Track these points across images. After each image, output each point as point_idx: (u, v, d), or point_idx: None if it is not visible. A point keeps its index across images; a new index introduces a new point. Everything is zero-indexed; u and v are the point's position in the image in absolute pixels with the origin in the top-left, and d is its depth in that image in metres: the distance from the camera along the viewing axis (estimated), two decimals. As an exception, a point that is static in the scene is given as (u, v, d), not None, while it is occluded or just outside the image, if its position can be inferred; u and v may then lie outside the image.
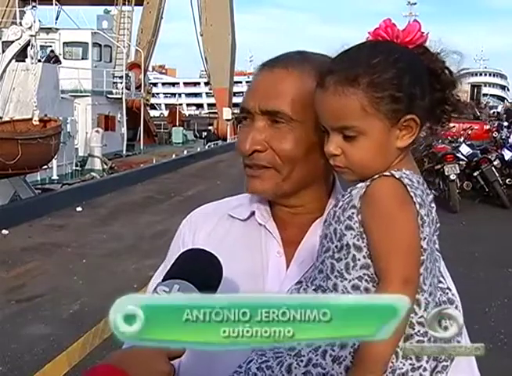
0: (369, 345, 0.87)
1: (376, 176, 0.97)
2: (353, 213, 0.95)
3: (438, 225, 0.99)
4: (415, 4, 71.19)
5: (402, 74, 0.96)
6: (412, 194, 0.94)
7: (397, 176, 0.95)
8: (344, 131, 0.98)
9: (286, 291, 1.04)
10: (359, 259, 0.94)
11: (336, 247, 0.96)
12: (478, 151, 11.38)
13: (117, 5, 26.61)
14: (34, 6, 19.73)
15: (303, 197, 1.14)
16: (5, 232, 8.43)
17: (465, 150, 11.27)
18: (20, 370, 4.40)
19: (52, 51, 18.51)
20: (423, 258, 0.94)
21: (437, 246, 1.00)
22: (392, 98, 0.95)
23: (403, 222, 0.93)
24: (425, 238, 0.95)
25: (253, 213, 1.17)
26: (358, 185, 0.98)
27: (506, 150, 11.44)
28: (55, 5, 22.39)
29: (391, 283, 0.89)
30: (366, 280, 0.94)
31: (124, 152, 21.37)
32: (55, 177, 14.25)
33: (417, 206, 0.94)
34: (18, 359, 4.55)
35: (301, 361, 0.94)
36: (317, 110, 1.01)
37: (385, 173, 0.97)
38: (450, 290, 1.03)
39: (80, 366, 4.37)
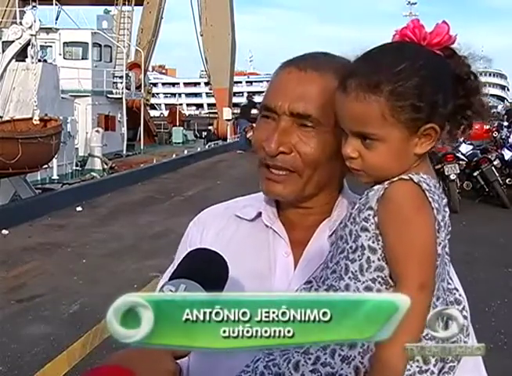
0: (382, 348, 0.86)
1: (395, 179, 0.96)
2: (369, 215, 0.95)
3: (450, 229, 0.99)
4: (415, 4, 71.34)
5: (425, 82, 0.94)
6: (430, 199, 0.93)
7: (415, 180, 0.94)
8: (363, 136, 0.97)
9: (296, 290, 1.03)
10: (374, 261, 0.93)
11: (350, 248, 0.96)
12: (478, 151, 11.38)
13: (117, 5, 26.58)
14: (34, 6, 19.77)
15: (317, 199, 1.14)
16: (5, 232, 8.42)
17: (465, 149, 11.27)
18: (20, 370, 4.40)
19: (44, 60, 18.48)
20: (437, 264, 0.94)
21: (447, 249, 0.99)
22: (413, 107, 0.94)
23: (421, 227, 0.92)
24: (440, 243, 0.94)
25: (260, 213, 1.17)
26: (375, 187, 0.98)
27: (506, 149, 11.45)
28: (55, 5, 22.36)
29: (406, 288, 0.89)
30: (380, 283, 0.93)
31: (124, 152, 21.34)
32: (55, 177, 14.24)
33: (435, 211, 0.93)
34: (18, 359, 4.55)
35: (309, 359, 0.93)
36: (337, 113, 1.00)
37: (404, 176, 0.96)
38: (457, 290, 1.03)
39: (80, 366, 4.37)
